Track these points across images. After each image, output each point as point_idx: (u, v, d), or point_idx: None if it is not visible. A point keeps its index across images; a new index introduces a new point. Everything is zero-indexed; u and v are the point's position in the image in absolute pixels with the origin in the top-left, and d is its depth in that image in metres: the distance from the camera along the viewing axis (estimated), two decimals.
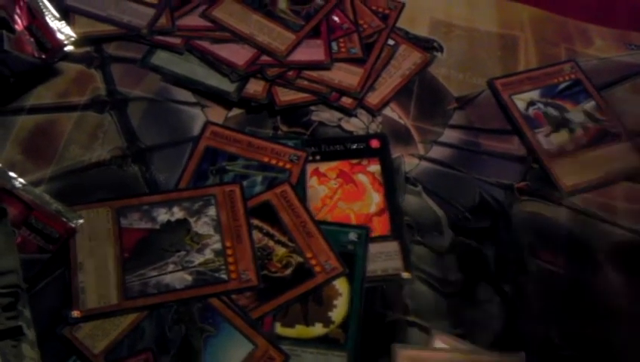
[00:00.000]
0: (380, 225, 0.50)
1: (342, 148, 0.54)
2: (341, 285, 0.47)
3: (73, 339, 0.44)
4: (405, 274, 0.48)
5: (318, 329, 0.46)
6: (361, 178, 0.53)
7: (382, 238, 0.50)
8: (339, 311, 0.46)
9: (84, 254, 0.47)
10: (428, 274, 0.49)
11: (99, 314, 0.45)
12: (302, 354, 0.45)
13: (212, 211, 0.49)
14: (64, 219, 0.47)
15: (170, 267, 0.47)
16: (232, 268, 0.47)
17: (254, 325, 0.45)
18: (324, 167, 0.53)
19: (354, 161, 0.54)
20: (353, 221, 0.51)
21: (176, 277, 0.46)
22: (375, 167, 0.53)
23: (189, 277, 0.46)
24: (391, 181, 0.53)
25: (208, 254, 0.48)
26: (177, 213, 0.49)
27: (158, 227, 0.49)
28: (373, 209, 0.51)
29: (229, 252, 0.48)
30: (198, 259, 0.47)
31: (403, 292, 0.48)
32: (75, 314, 0.44)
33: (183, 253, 0.48)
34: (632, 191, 0.53)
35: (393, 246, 0.49)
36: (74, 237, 0.47)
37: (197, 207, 0.50)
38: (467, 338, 0.46)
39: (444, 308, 0.48)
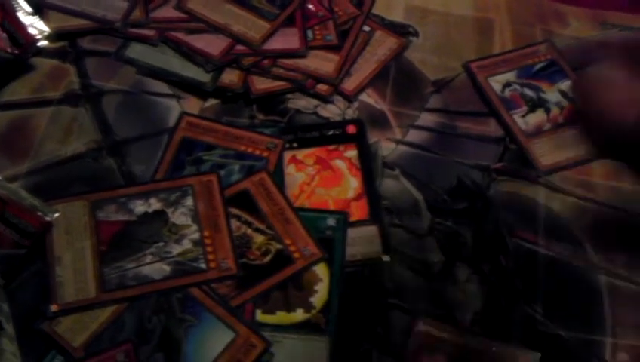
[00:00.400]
0: (359, 210, 0.50)
1: (318, 134, 0.54)
2: (321, 270, 0.47)
3: (52, 333, 0.44)
4: (385, 257, 0.48)
5: (299, 315, 0.46)
6: (339, 164, 0.53)
7: (361, 223, 0.50)
8: (319, 296, 0.46)
9: (60, 248, 0.47)
10: (408, 257, 0.49)
11: (77, 308, 0.45)
12: (283, 340, 0.45)
13: (189, 201, 0.49)
14: (39, 213, 0.47)
15: (149, 258, 0.47)
16: (210, 257, 0.47)
17: (235, 313, 0.45)
18: (301, 153, 0.53)
19: (331, 147, 0.54)
20: (332, 206, 0.51)
21: (155, 268, 0.46)
22: (352, 153, 0.53)
23: (168, 268, 0.46)
24: (368, 166, 0.53)
25: (186, 244, 0.48)
26: (154, 205, 0.49)
27: (135, 219, 0.49)
28: (351, 194, 0.51)
29: (208, 241, 0.48)
30: (176, 249, 0.47)
31: (384, 276, 0.48)
32: (54, 308, 0.44)
33: (160, 244, 0.48)
34: (609, 168, 0.54)
35: (372, 230, 0.49)
36: (50, 232, 0.47)
37: (174, 198, 0.50)
38: (449, 318, 0.46)
39: (425, 290, 0.48)
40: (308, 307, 0.46)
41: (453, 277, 0.48)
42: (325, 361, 0.44)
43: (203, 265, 0.47)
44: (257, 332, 0.44)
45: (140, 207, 0.49)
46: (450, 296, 0.47)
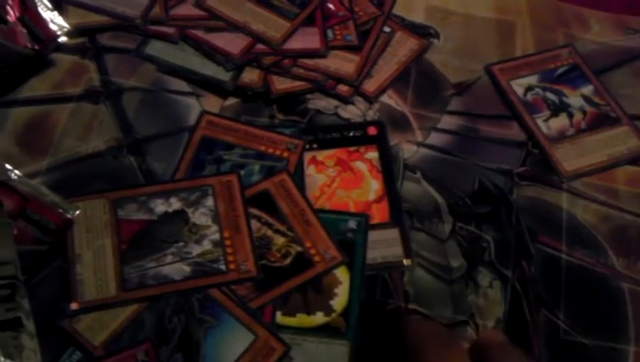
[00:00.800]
0: (380, 213, 0.50)
1: (339, 135, 0.54)
2: (341, 273, 0.47)
3: (73, 332, 0.43)
4: (406, 261, 0.48)
5: (319, 318, 0.45)
6: (359, 165, 0.52)
7: (381, 225, 0.49)
8: (340, 299, 0.46)
9: (81, 246, 0.47)
10: (429, 261, 0.48)
11: (97, 306, 0.44)
12: (303, 343, 0.44)
13: (210, 202, 0.49)
14: (60, 210, 0.47)
15: (169, 258, 0.46)
16: (230, 258, 0.47)
17: (255, 315, 0.45)
18: (321, 155, 0.53)
19: (351, 149, 0.53)
20: (352, 209, 0.50)
21: (175, 269, 0.46)
22: (373, 154, 0.53)
23: (188, 269, 0.46)
24: (389, 168, 0.52)
25: (207, 245, 0.47)
26: (175, 204, 0.49)
27: (155, 218, 0.48)
28: (372, 196, 0.51)
29: (228, 243, 0.47)
30: (196, 250, 0.47)
31: (404, 280, 0.47)
32: (74, 306, 0.44)
33: (181, 244, 0.47)
34: (634, 175, 0.53)
35: (393, 233, 0.49)
36: (71, 229, 0.47)
37: (194, 198, 0.49)
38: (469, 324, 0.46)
39: (446, 295, 0.47)
40: (328, 310, 0.46)
41: (474, 282, 0.48)
42: None
43: (223, 267, 0.46)
44: (277, 336, 0.44)
45: (160, 207, 0.49)
46: (472, 300, 0.47)
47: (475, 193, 0.52)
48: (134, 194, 0.49)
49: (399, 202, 0.51)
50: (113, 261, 0.46)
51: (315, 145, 0.53)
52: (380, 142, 0.54)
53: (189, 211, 0.49)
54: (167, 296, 0.45)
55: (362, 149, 0.53)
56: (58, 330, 0.44)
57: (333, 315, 0.46)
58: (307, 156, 0.52)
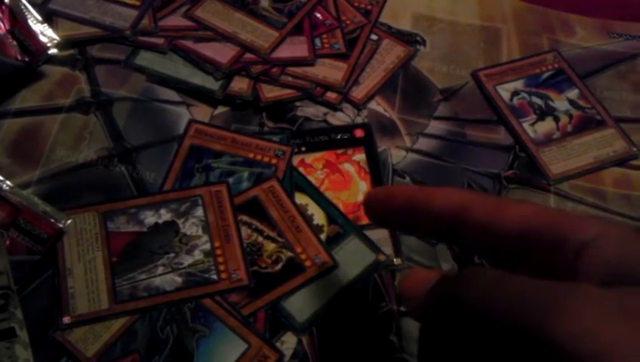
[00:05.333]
0: None
1: (327, 138, 0.54)
2: (301, 199, 0.51)
3: (65, 343, 0.43)
4: (396, 260, 0.48)
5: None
6: (347, 167, 0.53)
7: (371, 226, 0.50)
8: (318, 216, 0.51)
9: (72, 260, 0.47)
10: (420, 265, 0.49)
11: (90, 320, 0.44)
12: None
13: (199, 212, 0.49)
14: (52, 220, 0.47)
15: (160, 269, 0.47)
16: (222, 268, 0.47)
17: (247, 324, 0.45)
18: (309, 158, 0.53)
19: (339, 151, 0.54)
20: (342, 210, 0.51)
21: (166, 280, 0.46)
22: (360, 156, 0.53)
23: (179, 279, 0.46)
24: (377, 169, 0.53)
25: (197, 255, 0.47)
26: (165, 215, 0.49)
27: (145, 230, 0.48)
28: (360, 197, 0.51)
29: (219, 252, 0.48)
30: (187, 260, 0.47)
31: (396, 283, 0.48)
32: (67, 320, 0.44)
33: (172, 254, 0.47)
34: (620, 177, 0.54)
35: (383, 233, 0.49)
36: (62, 242, 0.47)
37: (184, 209, 0.49)
38: None
39: None
40: (319, 230, 0.50)
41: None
42: None
43: (214, 276, 0.46)
44: (270, 343, 0.44)
45: (150, 218, 0.49)
46: None
47: None
48: (124, 206, 0.49)
49: None
50: (104, 274, 0.46)
51: (303, 149, 0.54)
52: (367, 144, 0.54)
53: (180, 222, 0.49)
54: (159, 308, 0.45)
55: (350, 151, 0.54)
56: (51, 342, 0.44)
57: (326, 229, 0.49)
58: (296, 159, 0.53)
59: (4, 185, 0.47)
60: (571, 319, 0.21)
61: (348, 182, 0.52)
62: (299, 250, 0.48)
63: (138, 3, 0.61)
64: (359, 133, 0.55)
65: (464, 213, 0.31)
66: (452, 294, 0.25)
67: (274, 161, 0.52)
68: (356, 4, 0.64)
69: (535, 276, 0.24)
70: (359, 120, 0.56)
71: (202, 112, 0.56)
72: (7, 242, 0.45)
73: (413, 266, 0.48)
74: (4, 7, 0.54)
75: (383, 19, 0.63)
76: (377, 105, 0.57)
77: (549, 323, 0.21)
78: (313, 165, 0.53)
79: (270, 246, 0.48)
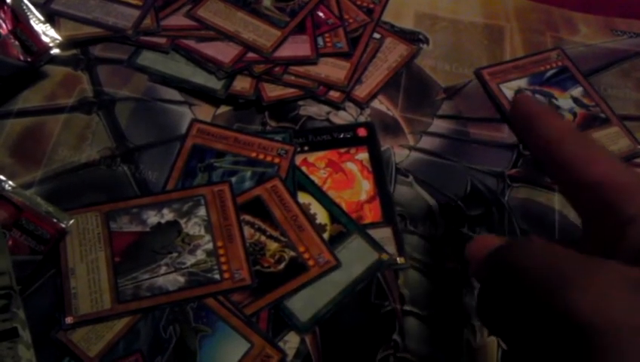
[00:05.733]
0: (372, 212, 0.50)
1: (329, 137, 0.54)
2: (303, 198, 0.51)
3: (68, 343, 0.43)
4: (400, 260, 0.48)
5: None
6: (350, 166, 0.53)
7: (374, 225, 0.50)
8: (320, 215, 0.51)
9: (74, 260, 0.47)
10: (423, 263, 0.49)
11: (93, 320, 0.44)
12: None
13: (202, 211, 0.49)
14: (55, 220, 0.47)
15: (163, 269, 0.47)
16: (224, 267, 0.47)
17: (250, 323, 0.45)
18: (312, 157, 0.53)
19: (342, 150, 0.54)
20: (344, 209, 0.51)
21: (169, 279, 0.46)
22: (363, 155, 0.53)
23: (182, 279, 0.46)
24: (380, 168, 0.53)
25: (200, 255, 0.47)
26: (167, 215, 0.49)
27: (148, 229, 0.48)
28: (363, 196, 0.51)
29: (221, 252, 0.48)
30: (190, 260, 0.47)
31: (399, 282, 0.48)
32: (69, 320, 0.44)
33: (174, 254, 0.47)
34: None
35: (386, 231, 0.49)
36: (64, 242, 0.47)
37: (187, 208, 0.49)
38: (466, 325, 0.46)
39: (442, 297, 0.47)
40: (321, 229, 0.50)
41: (469, 283, 0.48)
42: None
43: (217, 276, 0.46)
44: (273, 343, 0.44)
45: (153, 218, 0.49)
46: (467, 302, 0.47)
47: (467, 195, 0.52)
48: (126, 206, 0.49)
49: (391, 201, 0.51)
50: (107, 274, 0.46)
51: (306, 148, 0.54)
52: (370, 143, 0.54)
53: (182, 221, 0.49)
54: (162, 307, 0.45)
55: (353, 150, 0.54)
56: (53, 342, 0.44)
57: (328, 228, 0.49)
58: (298, 158, 0.53)
59: (7, 185, 0.47)
60: (590, 292, 0.23)
61: (351, 181, 0.52)
62: (301, 249, 0.48)
63: (140, 3, 0.61)
64: (362, 132, 0.55)
65: (559, 145, 0.33)
66: (503, 259, 0.29)
67: (276, 160, 0.52)
68: (359, 2, 0.64)
69: (590, 237, 0.30)
70: (362, 119, 0.56)
71: (205, 112, 0.56)
72: (10, 242, 0.45)
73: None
74: (6, 7, 0.54)
75: (385, 17, 0.63)
76: (380, 104, 0.57)
77: (571, 294, 0.23)
78: (316, 164, 0.53)
79: (273, 246, 0.48)
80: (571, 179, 0.32)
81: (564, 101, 0.57)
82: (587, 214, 0.33)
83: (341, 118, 0.56)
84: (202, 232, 0.48)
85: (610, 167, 0.31)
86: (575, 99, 0.58)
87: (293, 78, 0.57)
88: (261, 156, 0.52)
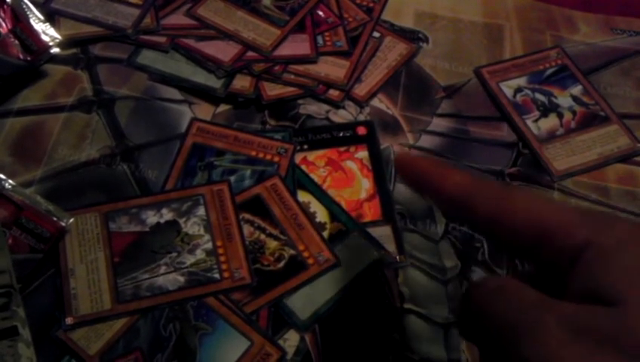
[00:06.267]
0: (371, 210, 0.50)
1: (329, 136, 0.54)
2: (303, 197, 0.51)
3: (68, 341, 0.43)
4: (400, 258, 0.48)
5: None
6: (350, 165, 0.53)
7: (374, 223, 0.50)
8: (320, 213, 0.51)
9: (74, 260, 0.47)
10: (423, 262, 0.49)
11: (93, 320, 0.44)
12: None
13: (201, 211, 0.49)
14: (55, 219, 0.47)
15: (162, 269, 0.47)
16: (224, 266, 0.47)
17: (250, 322, 0.45)
18: (312, 155, 0.53)
19: (342, 149, 0.54)
20: (344, 207, 0.51)
21: (169, 279, 0.46)
22: (363, 154, 0.53)
23: (182, 278, 0.46)
24: (379, 166, 0.53)
25: (199, 254, 0.47)
26: (166, 215, 0.49)
27: (147, 229, 0.48)
28: (363, 195, 0.51)
29: (221, 251, 0.48)
30: (189, 259, 0.47)
31: (399, 281, 0.48)
32: (69, 320, 0.44)
33: (174, 254, 0.47)
34: (624, 173, 0.53)
35: (386, 230, 0.49)
36: (64, 243, 0.47)
37: (186, 208, 0.49)
38: None
39: (441, 295, 0.47)
40: (321, 227, 0.50)
41: (469, 281, 0.48)
42: None
43: (217, 275, 0.46)
44: (273, 341, 0.44)
45: (152, 218, 0.49)
46: None
47: None
48: (126, 206, 0.49)
49: (391, 200, 0.51)
50: (107, 274, 0.46)
51: (305, 146, 0.54)
52: (370, 142, 0.54)
53: (181, 221, 0.49)
54: (162, 307, 0.45)
55: (352, 149, 0.54)
56: (53, 341, 0.44)
57: (328, 226, 0.49)
58: (298, 157, 0.53)
59: (7, 184, 0.47)
60: (537, 347, 0.24)
61: (350, 180, 0.52)
62: (301, 247, 0.48)
63: (140, 2, 0.61)
64: (362, 130, 0.55)
65: (471, 200, 0.31)
66: (473, 301, 0.29)
67: (276, 158, 0.52)
68: (358, 1, 0.64)
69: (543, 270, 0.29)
70: (362, 117, 0.56)
71: (204, 110, 0.56)
72: (10, 241, 0.45)
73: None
74: (6, 6, 0.54)
75: (385, 16, 0.63)
76: (380, 103, 0.57)
77: (523, 349, 0.24)
78: (315, 163, 0.53)
79: (273, 244, 0.48)
80: (500, 231, 0.30)
81: (564, 99, 0.58)
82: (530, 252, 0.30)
83: (341, 116, 0.56)
84: (201, 232, 0.48)
85: (536, 204, 0.29)
86: (575, 98, 0.58)
87: (292, 76, 0.57)
88: (261, 155, 0.52)
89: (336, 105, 0.56)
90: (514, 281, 0.28)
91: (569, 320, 0.24)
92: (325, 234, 0.49)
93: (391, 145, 0.54)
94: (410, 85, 0.58)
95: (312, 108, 0.56)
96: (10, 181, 0.48)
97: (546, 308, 0.25)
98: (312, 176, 0.52)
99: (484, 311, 0.27)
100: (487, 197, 0.30)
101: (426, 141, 0.55)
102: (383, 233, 0.49)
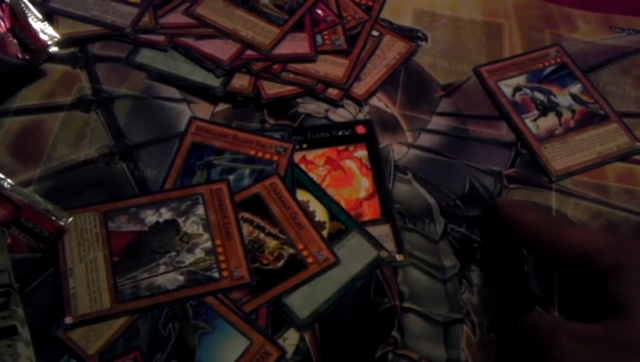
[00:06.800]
0: (371, 209, 0.50)
1: (328, 135, 0.54)
2: (302, 196, 0.52)
3: (67, 340, 0.43)
4: (399, 257, 0.48)
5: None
6: (349, 164, 0.53)
7: (373, 222, 0.50)
8: (319, 212, 0.51)
9: (73, 260, 0.47)
10: (422, 261, 0.49)
11: (92, 319, 0.44)
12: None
13: (200, 210, 0.49)
14: (53, 218, 0.47)
15: (162, 268, 0.47)
16: (223, 266, 0.47)
17: (249, 321, 0.45)
18: (311, 154, 0.53)
19: (341, 148, 0.54)
20: (343, 206, 0.50)
21: (168, 278, 0.46)
22: (362, 153, 0.53)
23: (181, 278, 0.46)
24: (378, 165, 0.53)
25: (199, 253, 0.47)
26: (165, 214, 0.49)
27: (146, 229, 0.48)
28: (362, 194, 0.51)
29: (220, 250, 0.47)
30: (188, 258, 0.47)
31: (398, 279, 0.48)
32: (69, 320, 0.44)
33: (173, 253, 0.47)
34: (624, 171, 0.53)
35: (385, 229, 0.49)
36: (63, 242, 0.47)
37: (185, 207, 0.49)
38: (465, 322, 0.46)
39: (441, 294, 0.47)
40: (320, 226, 0.50)
41: (468, 281, 0.48)
42: None
43: (216, 274, 0.46)
44: (272, 340, 0.44)
45: (151, 217, 0.49)
46: (467, 299, 0.47)
47: (466, 195, 0.52)
48: (125, 205, 0.49)
49: (390, 199, 0.51)
50: (106, 273, 0.46)
51: (304, 145, 0.54)
52: (369, 141, 0.54)
53: (180, 220, 0.49)
54: (161, 306, 0.45)
55: (351, 148, 0.54)
56: (53, 340, 0.44)
57: (327, 225, 0.49)
58: (297, 156, 0.53)
59: (6, 184, 0.47)
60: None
61: (349, 179, 0.52)
62: (300, 246, 0.48)
63: (138, 1, 0.61)
64: (361, 129, 0.55)
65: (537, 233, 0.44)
66: (526, 333, 0.38)
67: (275, 157, 0.52)
68: (357, 0, 0.64)
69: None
70: (361, 116, 0.56)
71: (203, 109, 0.56)
72: (9, 240, 0.45)
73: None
74: (4, 5, 0.54)
75: (384, 15, 0.63)
76: (379, 102, 0.57)
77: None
78: (315, 162, 0.53)
79: (272, 243, 0.48)
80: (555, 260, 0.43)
81: (563, 98, 0.57)
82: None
83: (340, 115, 0.56)
84: (201, 231, 0.48)
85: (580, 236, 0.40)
86: (574, 96, 0.58)
87: (291, 75, 0.57)
88: (260, 154, 0.52)
89: (336, 103, 0.56)
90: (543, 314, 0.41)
91: (579, 332, 0.33)
92: (324, 233, 0.49)
93: (390, 144, 0.54)
94: (410, 84, 0.58)
95: (311, 107, 0.56)
96: (9, 180, 0.48)
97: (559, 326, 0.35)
98: (311, 175, 0.52)
99: (537, 345, 0.37)
100: (547, 229, 0.42)
101: (425, 140, 0.55)
102: (382, 232, 0.49)
